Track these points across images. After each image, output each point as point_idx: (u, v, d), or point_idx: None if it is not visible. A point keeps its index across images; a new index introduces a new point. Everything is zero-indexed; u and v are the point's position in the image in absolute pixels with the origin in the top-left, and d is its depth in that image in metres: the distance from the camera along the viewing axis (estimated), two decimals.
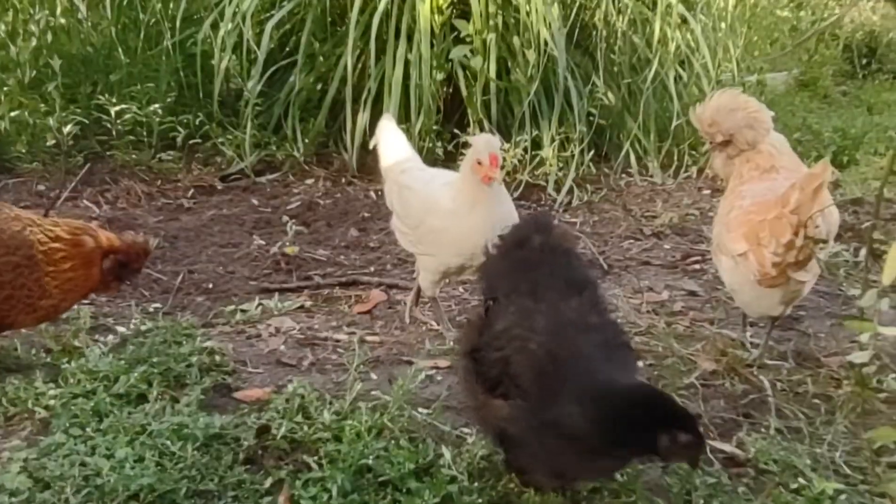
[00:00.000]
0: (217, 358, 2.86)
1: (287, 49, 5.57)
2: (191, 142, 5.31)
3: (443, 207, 3.05)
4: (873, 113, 7.32)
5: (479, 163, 2.88)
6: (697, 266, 3.98)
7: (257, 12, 5.44)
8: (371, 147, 3.63)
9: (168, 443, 2.27)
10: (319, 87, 5.49)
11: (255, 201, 4.82)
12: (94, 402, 2.45)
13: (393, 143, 3.47)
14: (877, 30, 9.02)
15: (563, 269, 2.23)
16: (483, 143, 2.97)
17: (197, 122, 5.33)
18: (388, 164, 3.43)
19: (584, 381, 1.92)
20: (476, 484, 2.19)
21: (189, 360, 2.78)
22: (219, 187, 5.08)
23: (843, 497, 2.24)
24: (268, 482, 2.22)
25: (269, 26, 5.20)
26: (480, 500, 2.12)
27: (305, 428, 2.39)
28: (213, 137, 5.32)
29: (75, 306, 2.98)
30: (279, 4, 5.35)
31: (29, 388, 2.57)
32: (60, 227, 2.72)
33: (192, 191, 4.98)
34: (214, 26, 5.29)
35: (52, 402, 2.48)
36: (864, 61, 8.90)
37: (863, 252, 3.41)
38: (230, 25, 5.17)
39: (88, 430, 2.34)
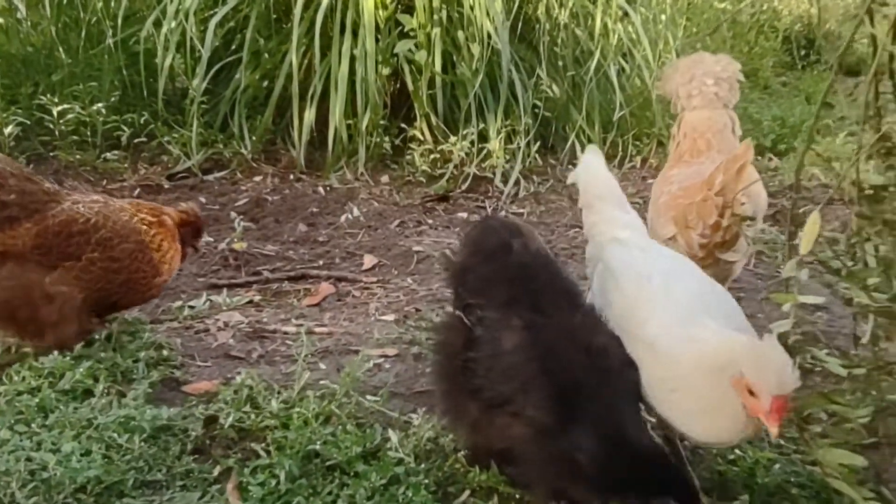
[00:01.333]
0: (165, 353, 2.88)
1: (232, 47, 5.54)
2: (136, 141, 5.26)
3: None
4: (812, 102, 7.52)
5: (752, 392, 1.85)
6: None
7: (200, 10, 5.40)
8: (569, 183, 2.76)
9: (115, 435, 2.28)
10: (265, 84, 5.47)
11: (202, 199, 4.79)
12: (39, 399, 2.44)
13: (602, 189, 2.49)
14: (814, 21, 9.28)
15: (559, 280, 2.24)
16: (776, 377, 1.82)
17: (142, 121, 5.28)
18: (593, 221, 2.47)
19: (600, 419, 1.94)
20: (423, 465, 2.25)
21: (136, 356, 2.79)
22: (166, 186, 5.03)
23: (776, 466, 2.34)
24: (216, 471, 2.25)
25: (212, 24, 5.17)
26: (427, 481, 2.17)
27: (253, 417, 2.43)
28: (158, 136, 5.27)
29: None
30: (222, 1, 5.33)
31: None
32: (144, 212, 2.95)
33: (138, 190, 4.92)
34: (157, 24, 5.24)
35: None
36: (803, 52, 9.15)
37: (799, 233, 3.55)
38: (173, 23, 5.14)
39: (34, 426, 2.35)
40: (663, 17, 5.96)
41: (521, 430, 2.02)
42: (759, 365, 1.83)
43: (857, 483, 2.12)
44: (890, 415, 2.10)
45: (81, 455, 2.20)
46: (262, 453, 2.29)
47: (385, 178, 5.10)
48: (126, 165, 5.15)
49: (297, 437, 2.29)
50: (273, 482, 2.15)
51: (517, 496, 2.16)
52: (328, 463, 2.23)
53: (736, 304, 2.18)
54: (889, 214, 1.83)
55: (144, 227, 2.89)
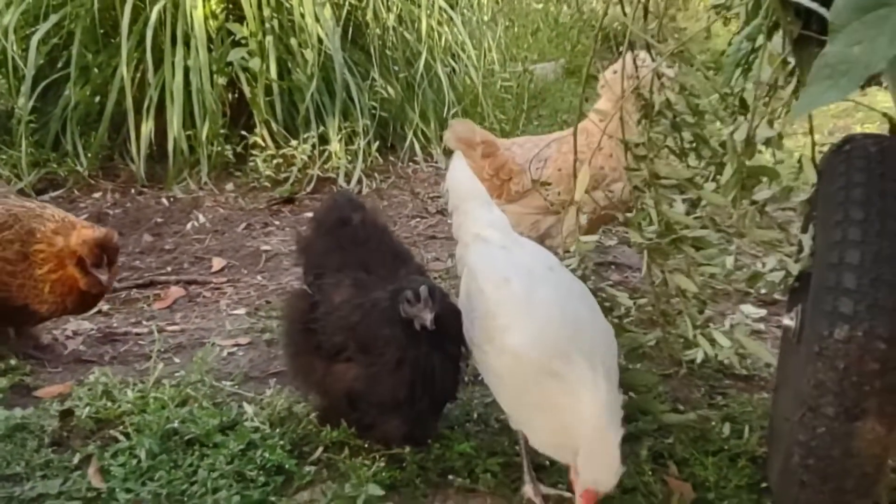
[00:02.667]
0: (13, 361, 2.92)
1: (58, 64, 5.49)
2: None
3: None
4: None
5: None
6: None
7: (20, 27, 5.34)
8: (443, 190, 2.82)
9: None
10: (97, 99, 5.46)
11: None
12: None
13: (467, 190, 2.55)
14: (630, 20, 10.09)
15: (388, 245, 2.52)
16: (596, 474, 1.89)
17: None
18: (459, 222, 2.52)
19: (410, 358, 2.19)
20: (278, 430, 2.46)
21: None
22: None
23: None
24: (76, 459, 2.35)
25: (34, 40, 5.13)
26: (282, 442, 2.38)
27: (110, 405, 2.55)
28: None
29: None
30: (44, 17, 5.28)
31: None
32: (50, 226, 2.90)
33: None
34: None
35: None
36: (621, 49, 9.92)
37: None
38: None
39: None
40: (486, 18, 6.42)
41: (354, 372, 2.28)
42: (589, 454, 1.88)
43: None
44: (673, 342, 2.50)
45: None
46: (122, 437, 2.42)
47: (230, 186, 5.22)
48: None
49: (154, 418, 2.44)
50: (134, 461, 2.30)
51: (365, 446, 2.41)
52: (187, 438, 2.39)
53: (595, 302, 2.24)
54: (651, 165, 2.22)
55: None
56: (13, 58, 5.08)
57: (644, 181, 2.21)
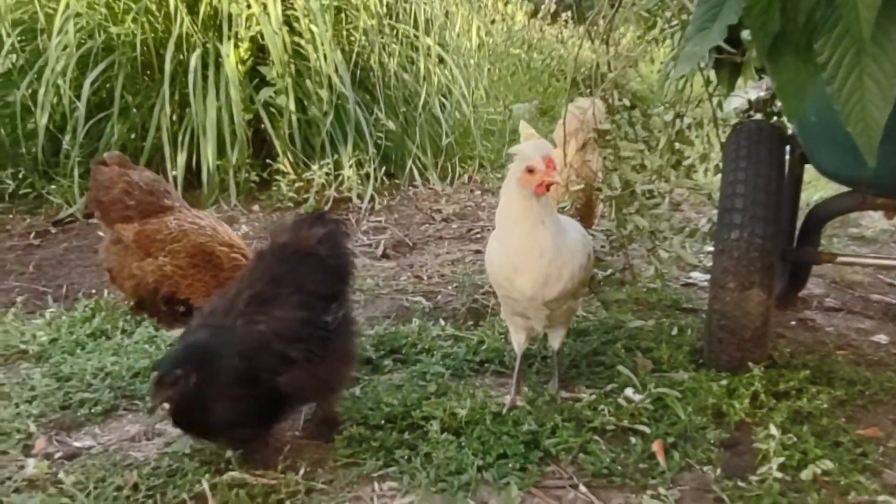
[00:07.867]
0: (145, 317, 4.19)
1: (100, 102, 6.80)
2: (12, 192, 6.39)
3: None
4: None
5: (531, 171, 2.68)
6: (479, 236, 5.83)
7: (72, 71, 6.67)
8: None
9: (146, 346, 3.63)
10: (134, 135, 6.78)
11: (101, 233, 5.99)
12: (74, 337, 3.75)
13: None
14: (594, 66, 11.75)
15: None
16: (532, 148, 2.74)
17: (21, 176, 6.43)
18: None
19: None
20: None
21: (124, 318, 4.11)
22: (53, 231, 6.18)
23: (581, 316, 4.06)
24: None
25: (86, 84, 6.46)
26: None
27: None
28: (38, 188, 6.43)
29: None
30: (92, 65, 6.62)
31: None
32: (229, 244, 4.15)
33: (33, 234, 6.06)
34: (29, 85, 6.46)
35: (43, 339, 3.75)
36: (588, 91, 11.55)
37: None
38: (49, 85, 6.39)
39: (79, 350, 3.64)
40: (472, 62, 7.94)
41: None
42: (526, 152, 2.75)
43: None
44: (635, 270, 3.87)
45: (126, 359, 3.54)
46: None
47: (256, 207, 6.53)
48: (11, 216, 6.26)
49: None
50: None
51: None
52: None
53: None
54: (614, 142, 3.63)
55: (219, 253, 4.03)
56: (69, 97, 6.40)
57: (610, 153, 3.61)
